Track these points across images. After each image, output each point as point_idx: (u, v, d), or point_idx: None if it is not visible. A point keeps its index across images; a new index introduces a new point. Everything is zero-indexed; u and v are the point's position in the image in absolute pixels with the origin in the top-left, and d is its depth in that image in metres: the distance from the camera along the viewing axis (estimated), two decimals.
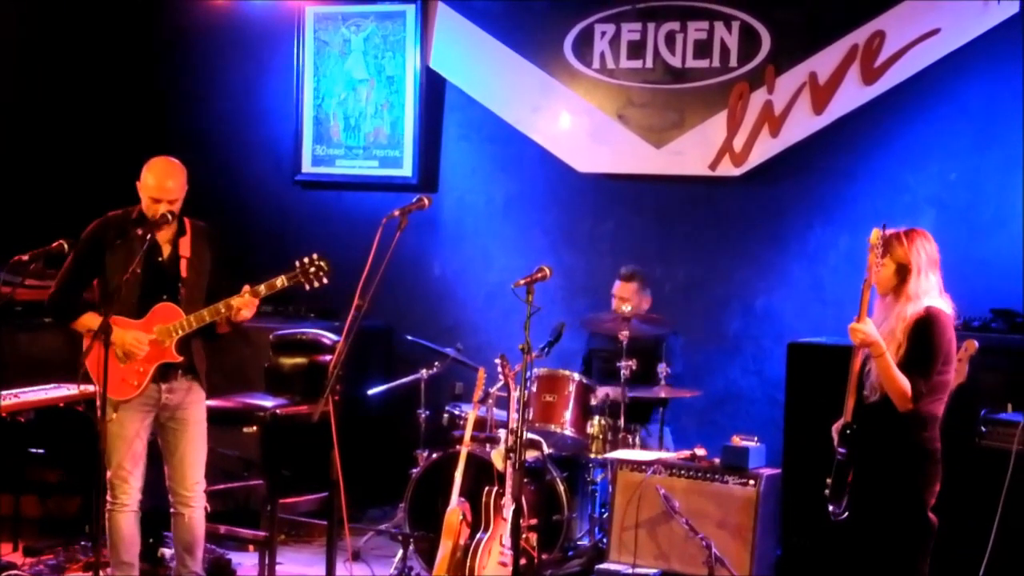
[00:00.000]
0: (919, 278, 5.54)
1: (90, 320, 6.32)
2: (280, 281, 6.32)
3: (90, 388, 6.41)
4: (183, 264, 6.42)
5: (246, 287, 6.33)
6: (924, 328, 5.48)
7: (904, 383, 5.43)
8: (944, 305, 5.57)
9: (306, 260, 6.32)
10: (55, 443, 7.55)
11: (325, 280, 6.34)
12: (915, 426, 5.51)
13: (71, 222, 6.82)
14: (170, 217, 6.30)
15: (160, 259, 6.40)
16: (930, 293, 5.54)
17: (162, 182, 6.33)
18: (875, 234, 5.52)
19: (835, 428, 5.70)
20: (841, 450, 5.65)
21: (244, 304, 6.30)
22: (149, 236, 6.19)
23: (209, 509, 6.71)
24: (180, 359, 6.37)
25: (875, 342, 5.46)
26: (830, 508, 5.69)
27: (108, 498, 6.37)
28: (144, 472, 6.47)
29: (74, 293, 6.43)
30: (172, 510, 6.53)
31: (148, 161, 6.42)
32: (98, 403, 6.26)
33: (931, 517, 5.59)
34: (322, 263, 6.31)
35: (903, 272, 5.56)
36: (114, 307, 6.15)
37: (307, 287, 6.35)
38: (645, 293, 8.09)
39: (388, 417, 8.76)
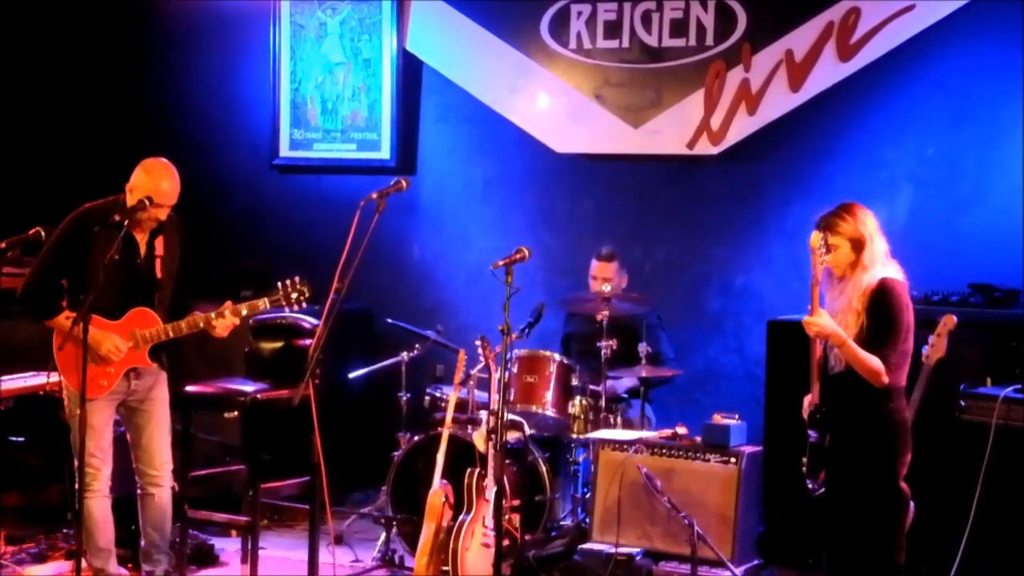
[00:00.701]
0: (872, 244, 5.60)
1: (66, 322, 6.29)
2: (263, 303, 6.45)
3: (57, 378, 6.42)
4: (158, 264, 6.45)
5: (227, 304, 6.37)
6: (880, 300, 5.53)
7: (873, 361, 5.49)
8: (895, 272, 5.63)
9: (288, 283, 6.43)
10: (35, 431, 7.52)
11: (305, 304, 6.49)
12: (882, 398, 5.57)
13: (47, 210, 6.79)
14: (147, 203, 6.28)
15: (138, 260, 6.40)
16: (880, 259, 5.60)
17: (161, 185, 6.35)
18: (815, 237, 5.56)
19: (805, 406, 5.73)
20: (812, 433, 5.69)
21: (223, 325, 6.35)
22: (125, 227, 6.18)
23: (176, 488, 6.75)
24: (151, 365, 6.42)
25: (832, 333, 5.53)
26: (808, 485, 5.74)
27: (79, 486, 6.37)
28: (111, 458, 6.49)
29: (51, 286, 6.41)
30: (140, 491, 6.59)
31: (143, 163, 6.42)
32: (64, 397, 6.37)
33: (903, 487, 5.63)
34: (303, 288, 6.43)
35: (858, 246, 5.60)
36: (73, 303, 6.15)
37: (287, 309, 6.49)
38: (623, 272, 8.10)
39: (369, 400, 8.76)
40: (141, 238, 6.42)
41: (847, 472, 5.66)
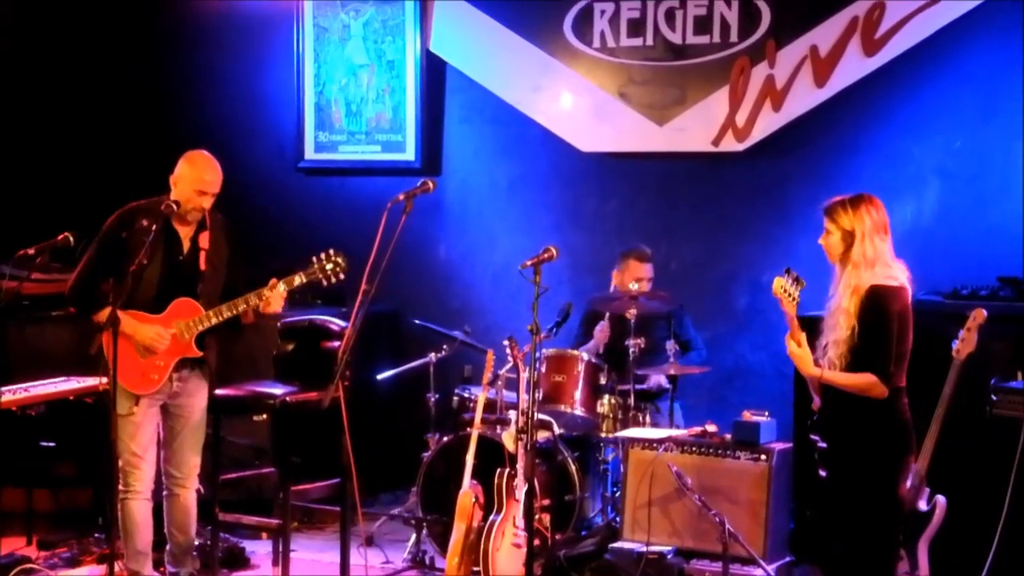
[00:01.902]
0: (863, 243, 5.50)
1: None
2: (298, 278, 6.43)
3: (105, 380, 6.42)
4: (202, 257, 6.49)
5: (274, 280, 6.37)
6: (869, 310, 5.45)
7: (857, 381, 5.44)
8: (895, 277, 5.52)
9: (323, 256, 6.39)
10: (66, 436, 7.55)
11: (342, 276, 6.42)
12: (882, 400, 5.48)
13: (76, 214, 6.83)
14: (175, 208, 6.33)
15: (181, 256, 6.44)
16: (879, 260, 5.50)
17: (205, 175, 6.44)
18: (777, 284, 5.51)
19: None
20: (821, 445, 5.66)
21: (274, 297, 6.35)
22: (156, 226, 6.23)
23: (202, 491, 6.78)
24: (200, 354, 6.43)
25: (809, 375, 5.55)
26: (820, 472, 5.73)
27: (120, 487, 6.42)
28: (155, 460, 6.51)
29: (96, 283, 6.44)
30: (165, 492, 6.64)
31: (187, 155, 6.50)
32: (112, 395, 6.32)
33: (901, 492, 5.58)
34: (338, 259, 6.39)
35: (848, 239, 5.54)
36: (125, 297, 6.18)
37: (324, 283, 6.44)
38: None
39: (397, 401, 8.77)
40: (185, 233, 6.47)
41: (846, 474, 5.58)
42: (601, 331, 7.90)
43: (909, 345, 5.56)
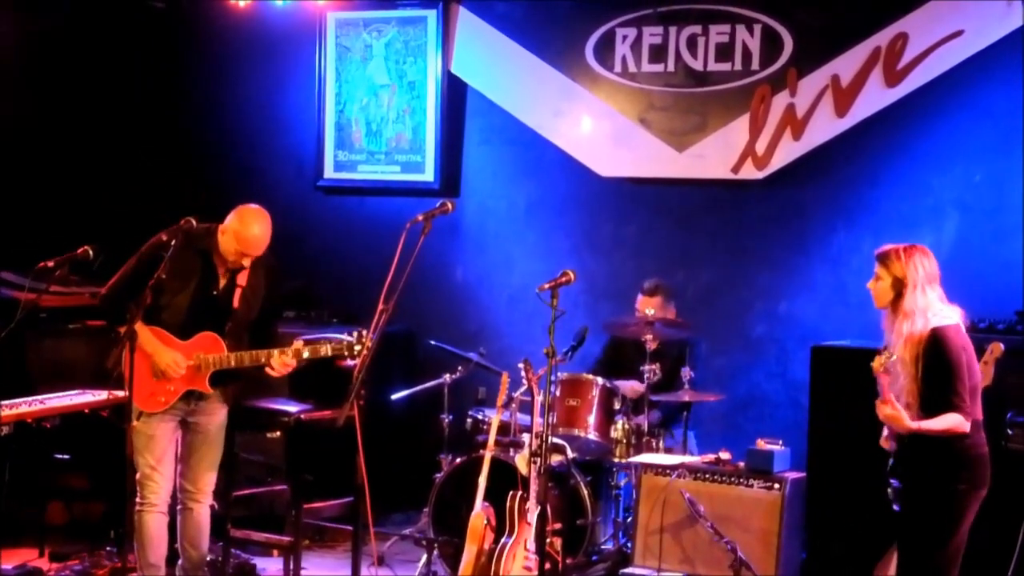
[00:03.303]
0: (915, 293, 5.54)
1: (143, 333, 6.33)
2: (325, 349, 6.41)
3: (119, 393, 6.42)
4: (237, 294, 6.49)
5: (298, 345, 6.36)
6: (932, 354, 5.46)
7: (947, 423, 5.43)
8: (949, 316, 5.55)
9: (355, 335, 6.36)
10: (80, 449, 7.58)
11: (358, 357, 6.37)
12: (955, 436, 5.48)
13: (97, 229, 6.84)
14: (194, 224, 6.33)
15: (216, 291, 6.45)
16: (931, 308, 5.52)
17: (249, 235, 6.40)
18: (877, 363, 5.45)
19: (882, 442, 5.71)
20: (894, 481, 5.66)
21: (283, 364, 6.37)
22: (176, 242, 6.24)
23: (216, 507, 6.77)
24: (211, 392, 6.44)
25: (909, 431, 5.48)
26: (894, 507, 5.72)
27: (137, 499, 6.44)
28: (172, 475, 6.51)
29: (128, 294, 6.42)
30: (180, 506, 6.63)
31: (239, 210, 6.46)
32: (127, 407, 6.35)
33: (966, 525, 5.56)
34: (367, 341, 6.31)
35: (899, 287, 5.57)
36: (143, 311, 6.18)
37: (348, 360, 6.42)
38: (669, 305, 8.04)
39: (411, 422, 8.76)
40: (223, 271, 6.48)
41: (922, 509, 5.57)
42: (632, 390, 7.85)
43: (979, 379, 5.61)
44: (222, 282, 6.50)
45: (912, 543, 5.60)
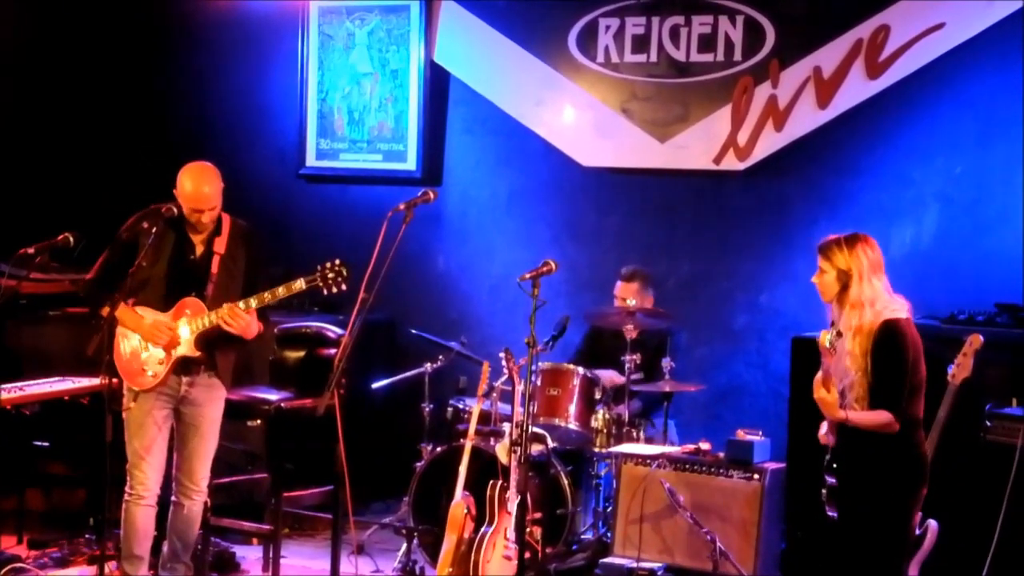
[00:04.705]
0: (861, 284, 5.43)
1: (122, 311, 6.31)
2: (299, 284, 6.29)
3: (113, 379, 6.38)
4: (215, 260, 6.44)
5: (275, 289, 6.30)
6: (882, 347, 5.38)
7: (877, 420, 5.37)
8: (899, 310, 5.46)
9: (328, 264, 6.29)
10: (60, 436, 7.55)
11: (344, 287, 6.31)
12: (897, 433, 5.42)
13: (78, 216, 6.82)
14: (175, 211, 6.32)
15: (192, 257, 6.42)
16: (879, 299, 5.44)
17: (200, 190, 6.35)
18: (823, 337, 5.39)
19: (821, 436, 5.66)
20: (831, 482, 5.61)
21: (231, 314, 6.27)
22: (156, 228, 6.23)
23: (209, 504, 6.74)
24: (198, 354, 6.39)
25: (837, 419, 5.44)
26: (829, 513, 5.67)
27: (126, 488, 6.40)
28: (162, 465, 6.47)
29: (109, 280, 6.41)
30: (173, 499, 6.57)
31: (185, 168, 6.42)
32: (124, 392, 6.36)
33: (913, 525, 5.56)
34: (342, 269, 6.27)
35: (844, 279, 5.46)
36: (125, 298, 6.17)
37: (324, 292, 6.31)
38: (647, 292, 8.06)
39: (392, 411, 8.77)
40: (198, 236, 6.44)
41: (859, 506, 5.51)
42: (611, 380, 7.84)
43: (923, 376, 5.50)
44: (199, 249, 6.46)
45: (856, 557, 5.51)
